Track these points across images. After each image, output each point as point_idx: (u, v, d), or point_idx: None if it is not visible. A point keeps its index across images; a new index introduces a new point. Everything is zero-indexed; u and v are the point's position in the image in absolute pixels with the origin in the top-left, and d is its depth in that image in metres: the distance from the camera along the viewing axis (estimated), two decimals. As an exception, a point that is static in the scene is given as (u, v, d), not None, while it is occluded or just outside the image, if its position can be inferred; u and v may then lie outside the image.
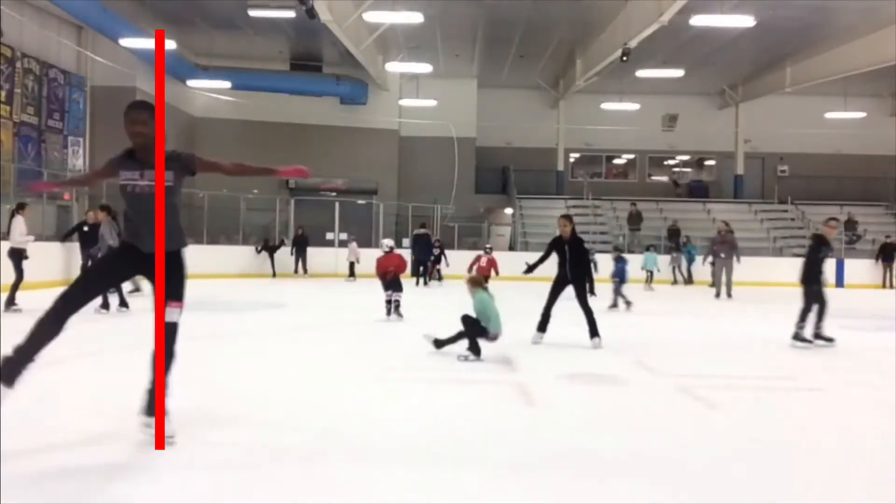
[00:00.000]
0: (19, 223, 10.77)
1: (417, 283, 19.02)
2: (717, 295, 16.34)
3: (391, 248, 10.95)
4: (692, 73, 24.68)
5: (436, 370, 6.61)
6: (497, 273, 15.53)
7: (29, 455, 3.74)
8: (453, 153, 27.04)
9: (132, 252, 3.98)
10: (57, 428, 4.27)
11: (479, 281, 7.52)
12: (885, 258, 22.81)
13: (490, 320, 7.07)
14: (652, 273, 19.59)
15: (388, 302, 10.69)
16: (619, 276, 13.09)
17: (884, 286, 22.37)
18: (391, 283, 10.65)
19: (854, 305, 15.40)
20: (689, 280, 22.44)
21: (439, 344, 7.30)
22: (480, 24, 21.60)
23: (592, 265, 13.36)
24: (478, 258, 16.03)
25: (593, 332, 8.02)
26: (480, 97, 28.31)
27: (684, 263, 22.51)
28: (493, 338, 7.09)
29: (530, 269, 8.29)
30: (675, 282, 22.32)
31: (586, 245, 8.44)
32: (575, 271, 8.13)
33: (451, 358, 7.02)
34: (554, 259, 8.35)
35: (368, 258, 20.32)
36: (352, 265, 20.54)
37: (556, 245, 8.27)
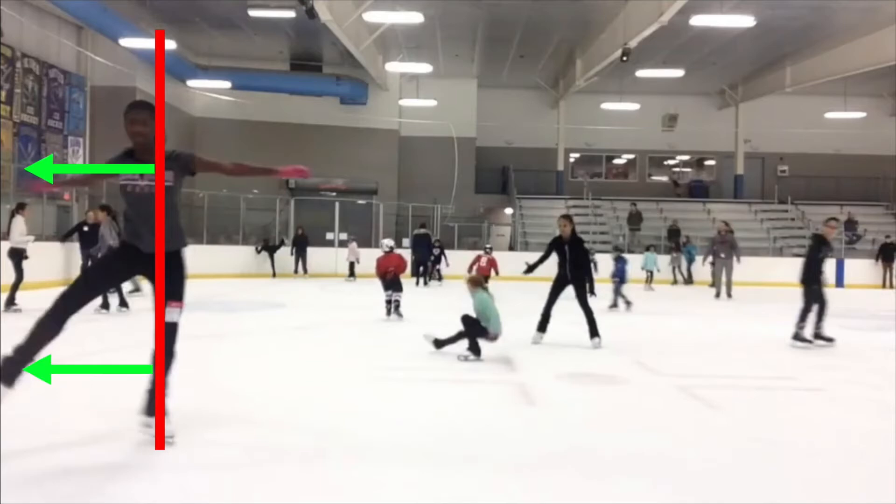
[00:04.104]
0: (18, 223, 10.78)
1: (417, 283, 19.02)
2: (717, 295, 16.25)
3: (391, 249, 11.03)
4: (692, 73, 24.68)
5: (436, 370, 6.61)
6: (497, 273, 15.53)
7: (29, 455, 3.74)
8: (453, 153, 27.04)
9: (132, 252, 3.98)
10: (57, 428, 4.27)
11: (479, 281, 7.51)
12: (885, 258, 22.79)
13: (490, 320, 7.07)
14: (652, 273, 19.58)
15: (388, 302, 10.74)
16: (619, 276, 13.10)
17: (884, 286, 22.36)
18: (391, 283, 10.71)
19: (854, 305, 15.39)
20: (689, 280, 22.43)
21: (439, 344, 7.30)
22: (480, 24, 21.60)
23: (592, 265, 13.37)
24: (478, 258, 16.09)
25: (593, 332, 8.01)
26: (480, 97, 28.31)
27: (684, 263, 22.51)
28: (493, 338, 7.09)
29: (530, 269, 8.26)
30: (675, 282, 22.31)
31: (586, 245, 8.43)
32: (575, 272, 8.13)
33: (451, 358, 7.02)
34: (554, 259, 8.35)
35: (368, 258, 20.37)
36: (352, 265, 20.54)
37: (556, 245, 8.26)
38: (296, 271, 21.30)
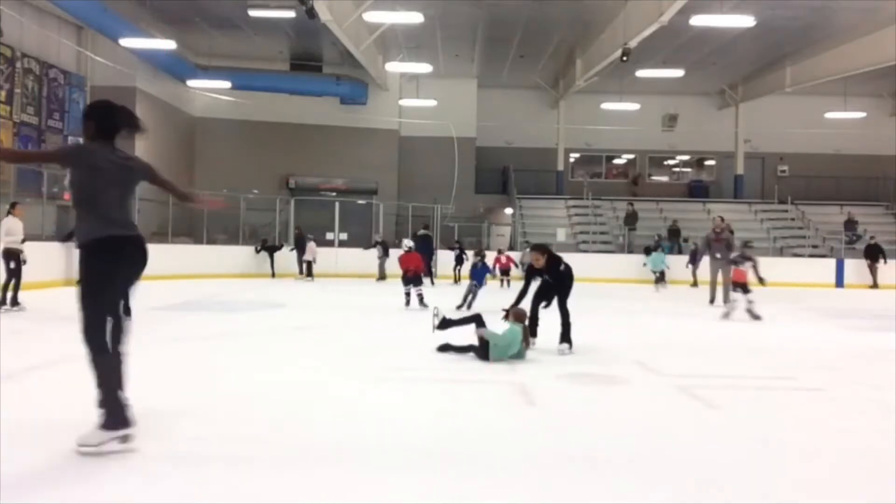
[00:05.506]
0: (7, 223, 10.67)
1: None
2: (712, 300, 14.22)
3: (410, 248, 12.68)
4: (692, 73, 24.69)
5: (436, 370, 6.61)
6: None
7: (28, 455, 3.75)
8: (453, 153, 27.06)
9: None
10: (53, 428, 4.26)
11: (522, 317, 7.33)
12: (871, 259, 22.46)
13: (504, 346, 6.91)
14: (663, 273, 19.60)
15: (408, 294, 12.02)
16: (478, 280, 12.83)
17: (874, 286, 22.13)
18: (412, 279, 12.08)
19: (854, 305, 15.41)
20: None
21: (444, 324, 7.34)
22: (480, 24, 21.61)
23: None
24: (497, 259, 18.61)
25: (564, 337, 7.64)
26: (480, 97, 28.33)
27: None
28: (492, 361, 6.97)
29: (515, 305, 7.67)
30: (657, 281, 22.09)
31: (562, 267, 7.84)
32: (559, 284, 7.95)
33: (452, 358, 7.03)
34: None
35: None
36: (309, 264, 20.56)
37: (535, 273, 8.01)
38: (300, 272, 21.16)
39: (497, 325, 7.18)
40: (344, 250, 22.15)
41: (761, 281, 11.33)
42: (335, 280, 20.55)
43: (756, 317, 11.02)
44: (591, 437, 4.44)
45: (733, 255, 12.10)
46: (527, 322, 7.41)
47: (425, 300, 11.88)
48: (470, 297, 12.18)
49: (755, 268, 11.42)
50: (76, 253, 3.84)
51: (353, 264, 21.19)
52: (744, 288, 11.26)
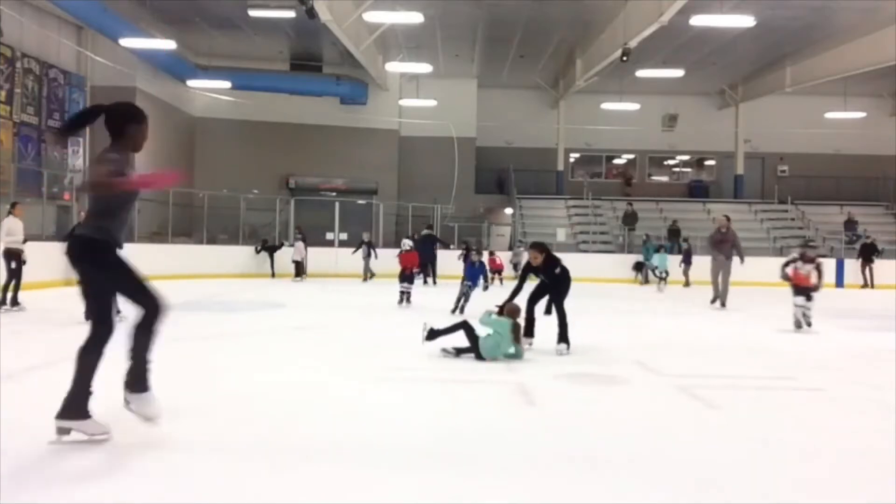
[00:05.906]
0: (6, 223, 10.66)
1: (425, 282, 19.28)
2: (714, 301, 13.82)
3: (410, 248, 13.49)
4: (692, 73, 24.69)
5: (435, 370, 6.62)
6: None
7: (29, 455, 3.74)
8: (453, 153, 27.06)
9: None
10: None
11: (516, 313, 7.34)
12: (865, 258, 22.41)
13: (496, 341, 6.94)
14: (667, 273, 19.63)
15: (402, 293, 12.39)
16: (472, 280, 11.87)
17: (864, 286, 22.08)
18: (408, 277, 12.65)
19: (854, 305, 15.41)
20: (645, 279, 22.24)
21: (433, 334, 7.31)
22: (480, 24, 21.60)
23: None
24: (491, 259, 18.86)
25: (562, 337, 7.59)
26: (480, 97, 28.32)
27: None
28: (486, 359, 6.99)
29: (508, 302, 7.61)
30: (645, 281, 22.13)
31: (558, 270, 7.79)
32: (554, 284, 7.83)
33: (451, 358, 7.03)
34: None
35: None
36: (298, 264, 20.56)
37: (531, 271, 8.00)
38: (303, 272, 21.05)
39: None
40: (344, 250, 22.11)
41: (815, 288, 9.94)
42: (335, 280, 20.54)
43: (809, 324, 9.89)
44: (591, 437, 4.45)
45: (791, 255, 10.59)
46: (521, 320, 7.40)
47: (411, 298, 12.61)
48: (462, 301, 11.52)
49: (819, 270, 9.92)
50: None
51: (354, 264, 21.14)
52: (807, 294, 9.81)
